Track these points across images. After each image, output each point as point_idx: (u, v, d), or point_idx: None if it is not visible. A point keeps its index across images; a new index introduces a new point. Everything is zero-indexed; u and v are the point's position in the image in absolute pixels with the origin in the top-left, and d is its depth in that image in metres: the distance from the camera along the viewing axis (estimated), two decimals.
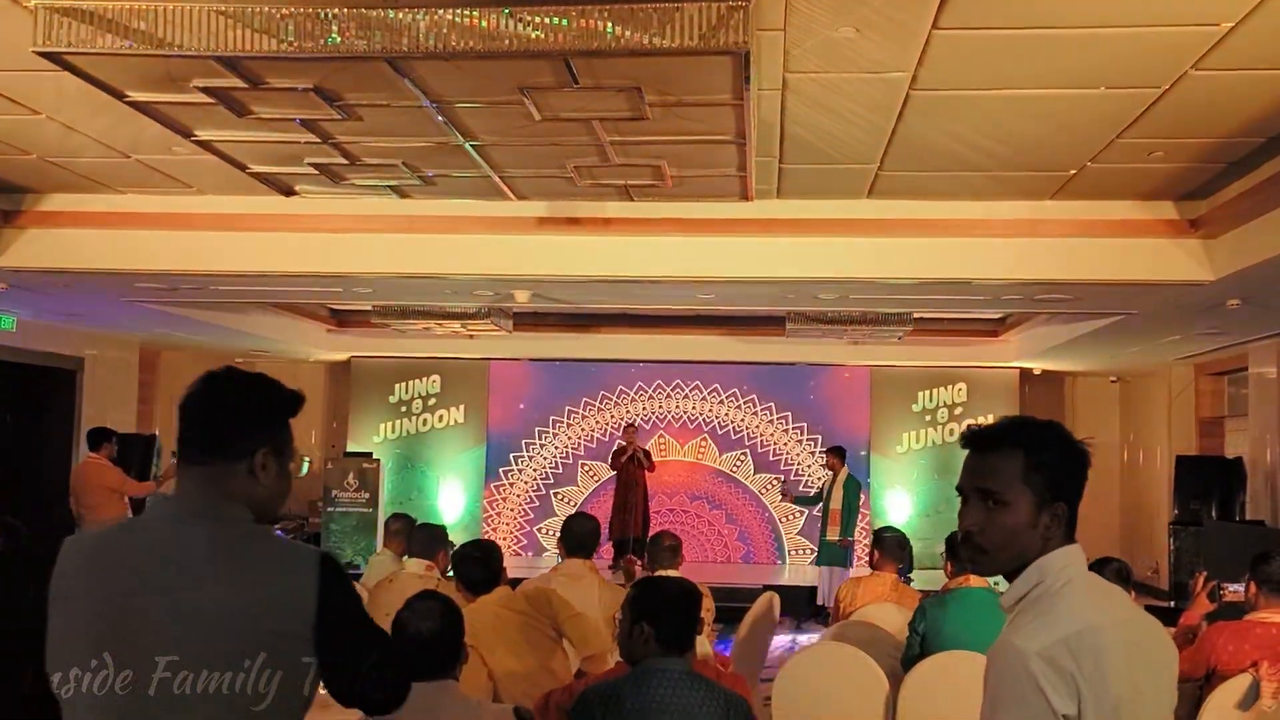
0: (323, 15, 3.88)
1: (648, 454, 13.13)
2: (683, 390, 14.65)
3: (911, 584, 8.04)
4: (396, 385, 14.91)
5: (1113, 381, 14.89)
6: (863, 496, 12.22)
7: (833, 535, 11.11)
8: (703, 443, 14.61)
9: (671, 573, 5.42)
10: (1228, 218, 7.06)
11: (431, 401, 14.87)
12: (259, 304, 11.31)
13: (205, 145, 5.15)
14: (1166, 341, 10.85)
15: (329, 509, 13.08)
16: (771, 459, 14.49)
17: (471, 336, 12.53)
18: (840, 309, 9.89)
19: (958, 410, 14.39)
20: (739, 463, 14.53)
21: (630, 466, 12.94)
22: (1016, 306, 10.23)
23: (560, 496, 14.59)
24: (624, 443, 13.24)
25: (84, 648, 1.95)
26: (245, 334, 12.29)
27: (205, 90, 4.33)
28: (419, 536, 5.91)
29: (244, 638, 1.96)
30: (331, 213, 7.84)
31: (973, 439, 2.13)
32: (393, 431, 14.93)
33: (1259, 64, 4.94)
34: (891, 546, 6.74)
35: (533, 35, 3.86)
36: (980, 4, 4.41)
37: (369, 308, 11.36)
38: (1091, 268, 7.63)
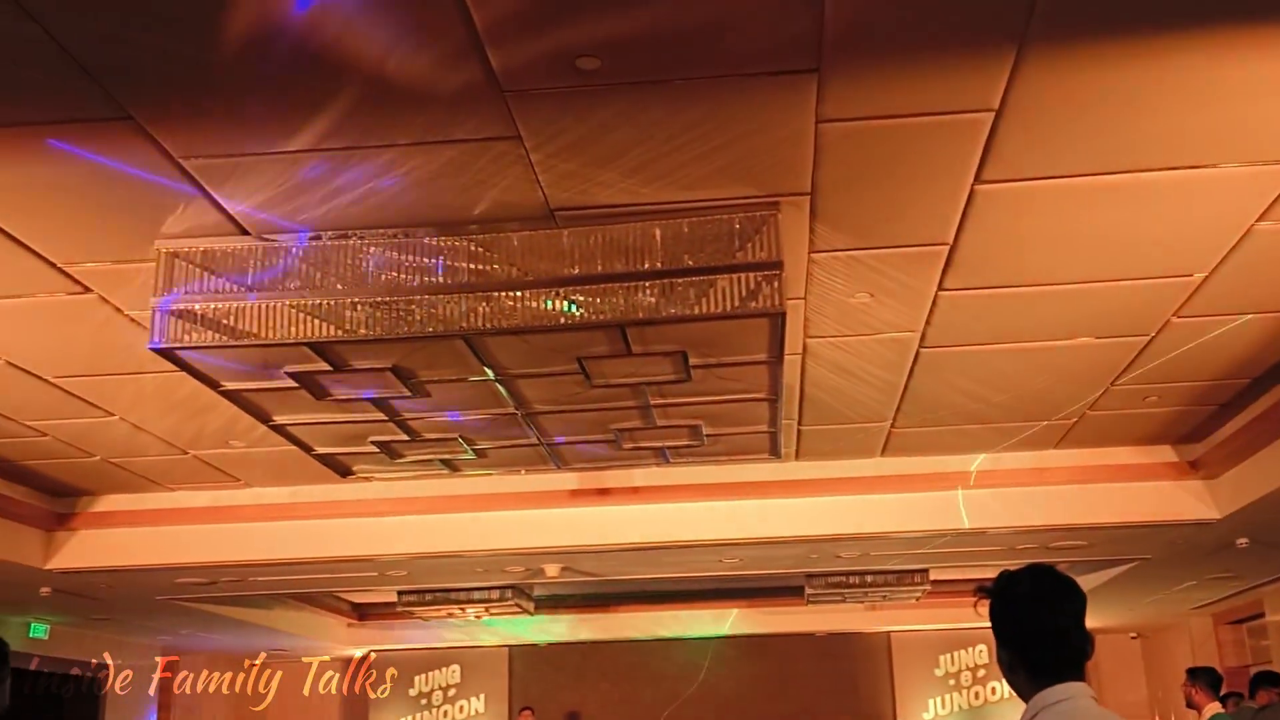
0: (405, 303, 4.39)
1: None
2: None
3: None
4: (416, 678, 14.79)
5: (1133, 638, 14.83)
6: None
7: None
8: None
9: None
10: (1224, 457, 7.41)
11: (452, 692, 14.72)
12: (287, 596, 11.44)
13: (279, 429, 5.54)
14: (1181, 589, 10.98)
15: None
16: None
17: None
18: (859, 568, 10.10)
19: (980, 673, 14.28)
20: None
21: None
22: (1031, 557, 10.45)
23: None
24: None
25: None
26: (269, 630, 12.33)
27: (293, 375, 4.77)
28: None
29: None
30: (368, 497, 8.22)
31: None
32: None
33: (1234, 309, 5.37)
34: None
35: (579, 314, 4.34)
36: (978, 267, 4.89)
37: (394, 597, 11.48)
38: (1099, 511, 7.95)
